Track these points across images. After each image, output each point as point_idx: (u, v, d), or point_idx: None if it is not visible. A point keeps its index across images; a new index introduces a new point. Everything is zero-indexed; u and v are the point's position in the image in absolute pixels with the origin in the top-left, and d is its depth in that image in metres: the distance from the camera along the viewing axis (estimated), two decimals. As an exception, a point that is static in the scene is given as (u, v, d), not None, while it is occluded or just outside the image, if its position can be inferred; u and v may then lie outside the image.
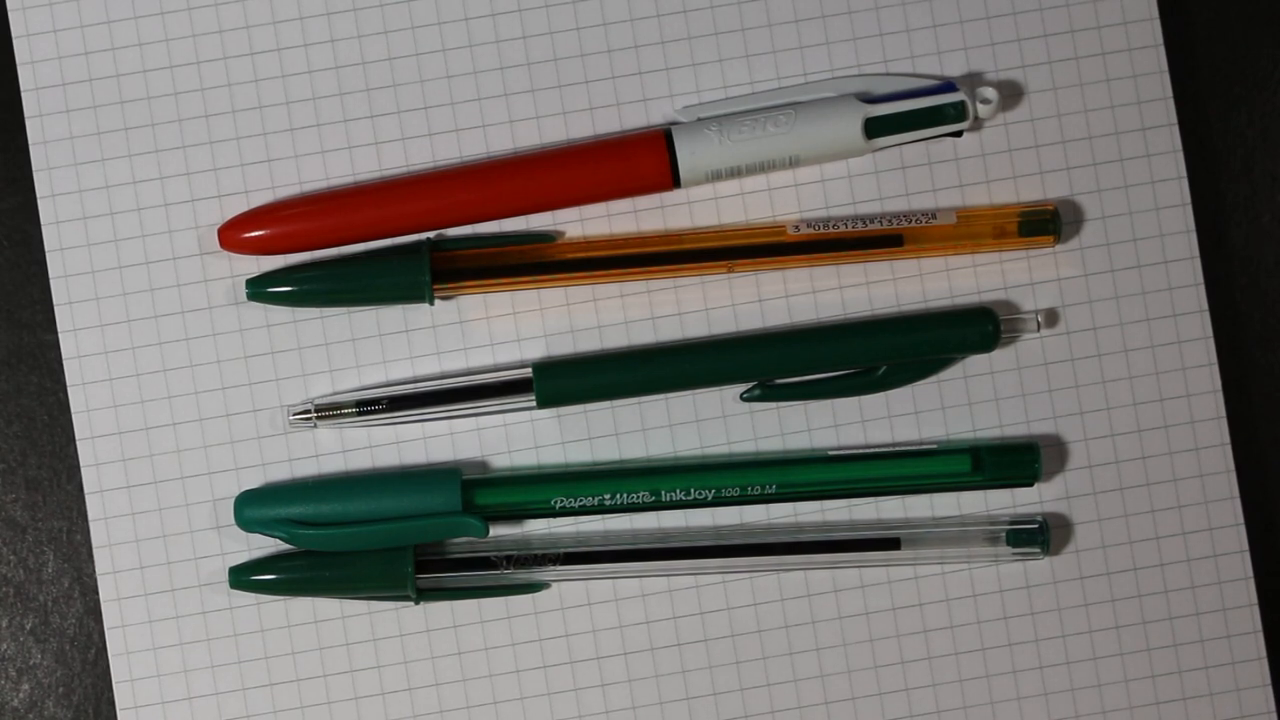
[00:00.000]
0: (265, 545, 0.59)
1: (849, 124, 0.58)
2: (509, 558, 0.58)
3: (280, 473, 0.59)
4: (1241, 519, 0.60)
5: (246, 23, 0.59)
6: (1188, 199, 0.60)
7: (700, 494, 0.58)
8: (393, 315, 0.59)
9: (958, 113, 0.58)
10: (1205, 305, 0.60)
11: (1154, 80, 0.60)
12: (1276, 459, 0.61)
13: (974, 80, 0.60)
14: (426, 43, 0.59)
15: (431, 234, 0.59)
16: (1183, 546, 0.60)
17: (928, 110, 0.58)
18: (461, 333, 0.59)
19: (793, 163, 0.58)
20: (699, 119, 0.59)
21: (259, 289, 0.58)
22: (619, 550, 0.59)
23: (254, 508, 0.58)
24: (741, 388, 0.59)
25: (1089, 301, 0.60)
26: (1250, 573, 0.60)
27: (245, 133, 0.59)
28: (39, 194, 0.59)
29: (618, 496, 0.58)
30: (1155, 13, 0.60)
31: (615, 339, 0.60)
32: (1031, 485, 0.59)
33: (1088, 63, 0.60)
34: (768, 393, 0.59)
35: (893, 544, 0.59)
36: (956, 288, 0.60)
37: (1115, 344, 0.60)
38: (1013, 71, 0.60)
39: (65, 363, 0.59)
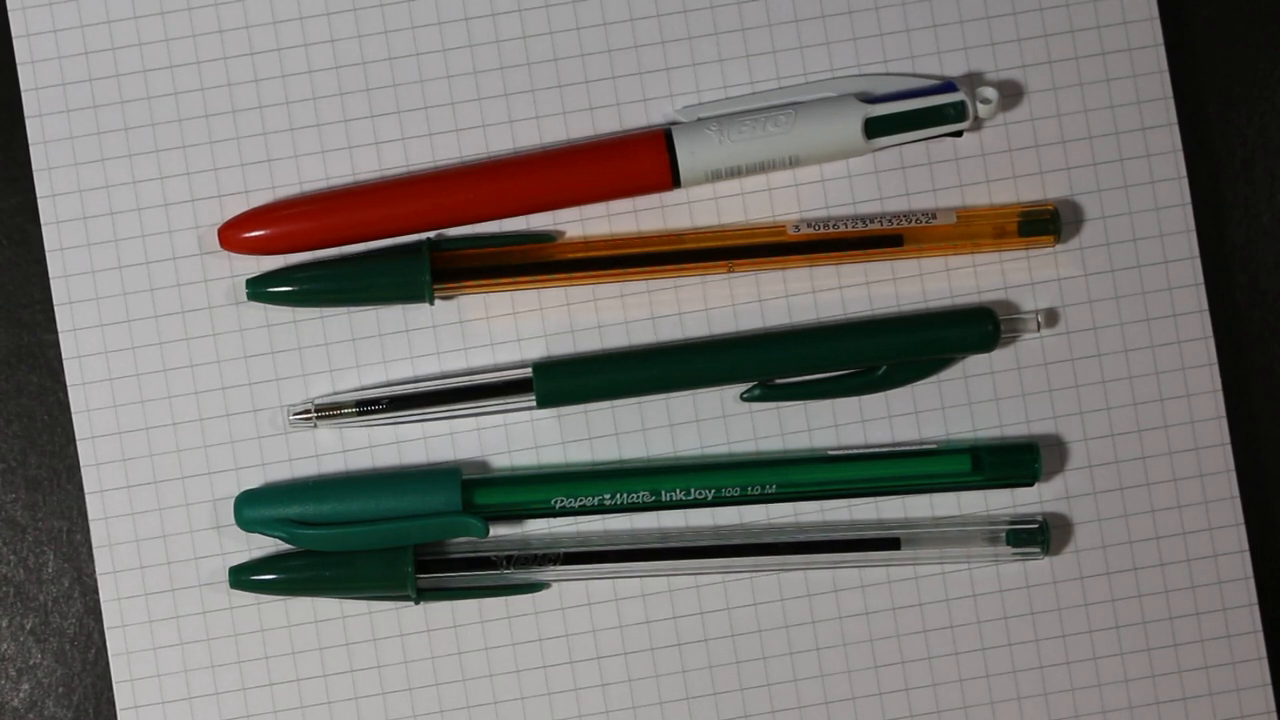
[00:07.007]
0: (265, 545, 0.59)
1: (849, 124, 0.58)
2: (509, 558, 0.58)
3: (280, 473, 0.59)
4: (1241, 519, 0.60)
5: (246, 23, 0.59)
6: (1188, 199, 0.60)
7: (700, 494, 0.58)
8: (393, 315, 0.59)
9: (958, 113, 0.58)
10: (1205, 305, 0.60)
11: (1154, 80, 0.60)
12: (1276, 459, 0.61)
13: (974, 80, 0.60)
14: (426, 43, 0.59)
15: (431, 234, 0.59)
16: (1183, 546, 0.60)
17: (928, 110, 0.58)
18: (461, 333, 0.59)
19: (793, 163, 0.58)
20: (699, 119, 0.59)
21: (259, 289, 0.58)
22: (619, 550, 0.59)
23: (254, 508, 0.58)
24: (741, 388, 0.59)
25: (1089, 301, 0.60)
26: (1250, 573, 0.60)
27: (245, 133, 0.59)
28: (39, 194, 0.59)
29: (618, 496, 0.58)
30: (1155, 13, 0.60)
31: (615, 339, 0.60)
32: (1031, 485, 0.59)
33: (1088, 63, 0.60)
34: (768, 393, 0.59)
35: (893, 544, 0.59)
36: (956, 288, 0.60)
37: (1115, 344, 0.60)
38: (1013, 71, 0.60)
39: (65, 363, 0.59)
